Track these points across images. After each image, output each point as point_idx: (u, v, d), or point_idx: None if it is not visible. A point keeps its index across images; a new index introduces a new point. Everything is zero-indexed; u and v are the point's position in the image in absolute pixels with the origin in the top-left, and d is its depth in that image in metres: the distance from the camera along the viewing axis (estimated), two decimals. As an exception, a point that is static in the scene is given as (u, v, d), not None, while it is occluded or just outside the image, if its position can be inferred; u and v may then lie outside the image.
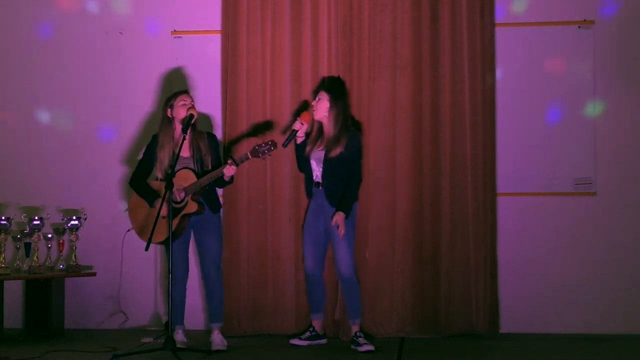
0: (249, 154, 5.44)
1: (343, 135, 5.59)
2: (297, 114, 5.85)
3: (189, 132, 5.52)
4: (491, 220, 6.07)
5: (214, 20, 6.39)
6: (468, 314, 6.00)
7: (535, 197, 6.21)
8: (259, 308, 6.14)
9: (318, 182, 5.66)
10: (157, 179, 5.58)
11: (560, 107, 6.20)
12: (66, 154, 6.54)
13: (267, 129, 6.13)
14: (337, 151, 5.56)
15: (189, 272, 5.69)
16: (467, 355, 5.52)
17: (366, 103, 6.10)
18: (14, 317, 6.33)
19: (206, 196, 5.57)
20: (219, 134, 6.18)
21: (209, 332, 5.76)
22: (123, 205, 6.42)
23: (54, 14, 6.60)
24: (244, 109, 6.20)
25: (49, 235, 6.20)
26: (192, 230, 5.65)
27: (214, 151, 5.61)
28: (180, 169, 5.49)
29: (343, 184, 5.59)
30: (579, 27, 6.21)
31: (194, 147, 5.57)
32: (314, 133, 5.70)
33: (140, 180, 5.66)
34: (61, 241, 6.23)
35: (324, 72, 6.13)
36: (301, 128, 5.61)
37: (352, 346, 5.57)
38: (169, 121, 5.60)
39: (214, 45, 6.38)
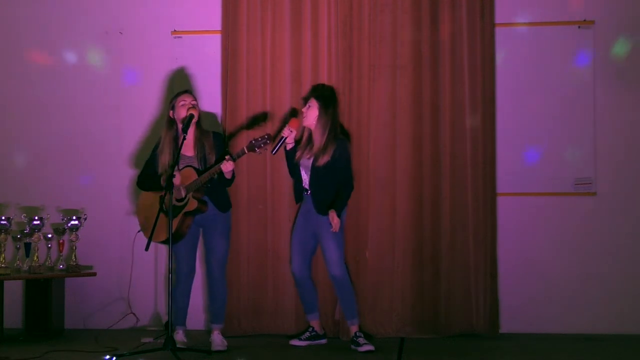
0: (245, 148, 5.45)
1: (331, 143, 5.58)
2: (286, 121, 5.84)
3: (192, 131, 5.55)
4: (491, 220, 6.07)
5: (214, 20, 6.39)
6: (468, 314, 6.00)
7: (535, 197, 6.21)
8: (259, 308, 6.14)
9: (306, 189, 5.68)
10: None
11: (561, 107, 6.20)
12: (66, 154, 6.54)
13: (264, 119, 6.12)
14: (324, 160, 5.56)
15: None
16: (467, 355, 5.52)
17: (366, 103, 6.10)
18: (14, 317, 6.33)
19: (214, 195, 5.56)
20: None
21: (209, 332, 5.76)
22: (124, 206, 6.43)
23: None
24: (244, 109, 6.20)
25: (49, 235, 6.20)
26: (201, 230, 5.64)
27: (218, 150, 5.60)
28: (183, 168, 5.50)
29: (330, 192, 5.59)
30: (579, 27, 6.21)
31: (199, 146, 5.58)
32: (303, 140, 5.69)
33: (146, 179, 5.66)
34: (61, 241, 6.23)
35: (324, 72, 6.13)
36: (290, 135, 5.59)
37: (352, 346, 5.57)
38: (171, 122, 5.61)
39: (214, 45, 6.38)
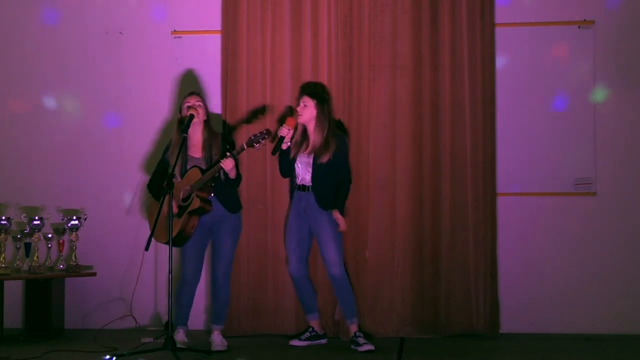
0: (244, 144, 5.44)
1: (331, 140, 5.61)
2: (281, 120, 5.83)
3: (201, 132, 5.58)
4: (491, 221, 6.07)
5: (214, 20, 6.39)
6: (468, 314, 6.00)
7: (535, 197, 6.21)
8: (259, 308, 6.14)
9: (304, 186, 5.67)
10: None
11: (561, 107, 6.20)
12: (66, 154, 6.54)
13: (263, 113, 6.12)
14: (326, 157, 5.58)
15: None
16: (467, 355, 5.52)
17: (366, 103, 6.10)
18: (14, 317, 6.33)
19: (222, 196, 5.56)
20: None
21: (209, 332, 5.76)
22: (124, 206, 6.44)
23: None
24: (244, 109, 6.20)
25: (49, 235, 6.20)
26: (211, 232, 5.64)
27: (224, 151, 5.59)
28: (189, 168, 5.51)
29: (332, 187, 5.62)
30: (579, 27, 6.21)
31: (207, 147, 5.58)
32: (297, 137, 5.68)
33: (156, 183, 5.67)
34: (61, 241, 6.23)
35: (324, 72, 6.13)
36: (288, 134, 5.60)
37: (352, 346, 5.57)
38: (180, 123, 5.61)
39: (214, 45, 6.38)
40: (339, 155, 5.62)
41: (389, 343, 5.76)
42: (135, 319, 6.31)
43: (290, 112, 6.00)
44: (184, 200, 5.49)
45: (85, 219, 6.26)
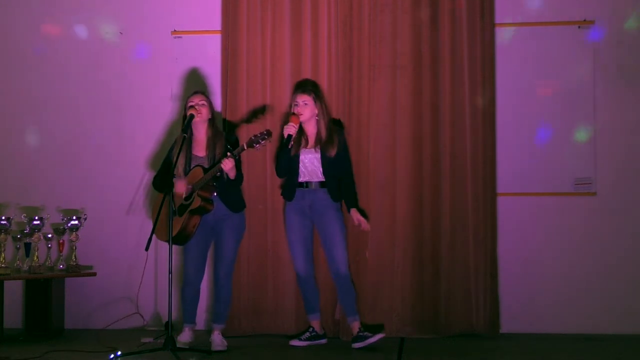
0: (244, 144, 5.44)
1: (334, 134, 5.70)
2: (284, 122, 5.80)
3: (205, 131, 5.59)
4: (491, 220, 6.07)
5: (214, 20, 6.39)
6: (468, 314, 6.00)
7: (535, 197, 6.21)
8: (259, 308, 6.14)
9: (308, 182, 5.68)
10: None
11: (561, 107, 6.20)
12: (66, 154, 6.54)
13: (263, 112, 6.12)
14: (334, 150, 5.65)
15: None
16: (467, 355, 5.52)
17: (366, 103, 6.10)
18: (14, 317, 6.33)
19: (224, 195, 5.56)
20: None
21: (209, 332, 5.76)
22: (124, 206, 6.44)
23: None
24: (244, 109, 6.20)
25: (49, 235, 6.20)
26: (214, 231, 5.64)
27: (227, 148, 5.59)
28: (193, 167, 5.51)
29: (338, 181, 5.69)
30: (579, 27, 6.22)
31: (211, 146, 5.58)
32: (294, 135, 5.69)
33: (160, 182, 5.66)
34: (61, 241, 6.23)
35: (324, 72, 6.13)
36: (295, 132, 5.61)
37: (357, 343, 5.58)
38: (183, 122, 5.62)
39: (214, 45, 6.38)
40: (344, 149, 5.70)
41: (389, 343, 5.76)
42: (142, 316, 6.32)
43: (288, 114, 5.98)
44: (186, 199, 5.50)
45: (85, 219, 6.26)
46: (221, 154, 5.53)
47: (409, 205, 6.06)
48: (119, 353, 5.15)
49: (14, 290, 6.34)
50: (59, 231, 6.21)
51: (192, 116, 5.51)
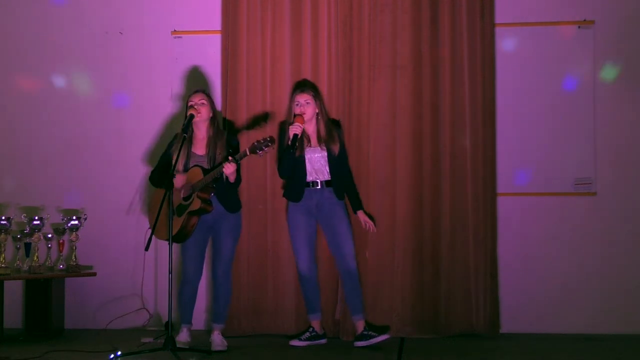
0: (247, 150, 5.43)
1: (334, 130, 5.74)
2: (287, 124, 5.79)
3: (206, 130, 5.59)
4: (491, 220, 6.07)
5: (214, 20, 6.39)
6: (468, 314, 6.00)
7: (535, 197, 6.21)
8: (259, 308, 6.13)
9: (314, 182, 5.68)
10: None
11: (561, 107, 6.20)
12: (66, 154, 6.54)
13: (265, 120, 6.12)
14: (337, 147, 5.69)
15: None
16: (467, 355, 5.52)
17: (366, 103, 6.10)
18: (14, 317, 6.33)
19: (222, 195, 5.56)
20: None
21: (209, 332, 5.76)
22: (124, 206, 6.44)
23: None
24: (244, 109, 6.20)
25: (49, 235, 6.20)
26: (211, 231, 5.64)
27: (228, 151, 5.59)
28: (191, 167, 5.51)
29: (342, 177, 5.71)
30: (579, 27, 6.22)
31: (211, 145, 5.58)
32: (300, 135, 5.69)
33: (158, 177, 5.67)
34: (61, 241, 6.23)
35: (324, 72, 6.13)
36: (301, 130, 5.61)
37: (360, 342, 5.59)
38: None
39: (214, 45, 6.38)
40: (342, 146, 5.75)
41: (389, 343, 5.75)
42: (148, 311, 6.32)
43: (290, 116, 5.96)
44: (185, 199, 5.49)
45: (85, 219, 6.26)
46: (222, 154, 5.53)
47: (409, 205, 6.06)
48: (119, 353, 5.15)
49: (14, 290, 6.34)
50: (59, 231, 6.21)
51: (192, 116, 5.51)
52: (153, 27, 6.51)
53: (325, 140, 5.70)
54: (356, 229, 5.92)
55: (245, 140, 5.91)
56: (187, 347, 5.48)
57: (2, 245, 6.06)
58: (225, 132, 5.77)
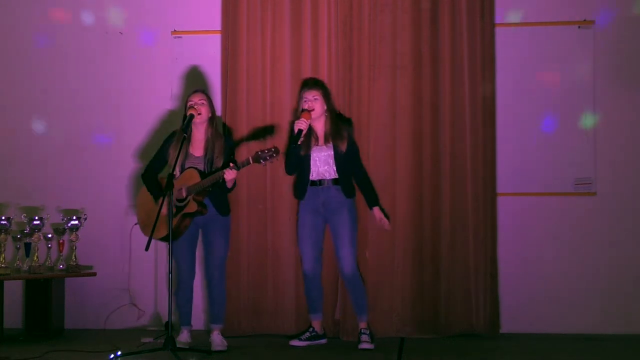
0: (250, 158, 5.42)
1: (343, 128, 5.69)
2: (293, 120, 5.79)
3: (204, 131, 5.57)
4: (491, 220, 6.07)
5: (214, 20, 6.39)
6: (468, 314, 6.00)
7: (535, 197, 6.21)
8: (259, 308, 6.13)
9: (321, 180, 5.67)
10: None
11: (561, 107, 6.20)
12: (66, 154, 6.54)
13: (269, 133, 6.11)
14: (344, 145, 5.64)
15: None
16: (467, 355, 5.52)
17: (366, 103, 6.10)
18: (14, 317, 6.33)
19: (215, 199, 5.56)
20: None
21: (209, 332, 5.76)
22: (124, 206, 6.44)
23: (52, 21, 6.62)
24: (244, 109, 6.20)
25: (49, 235, 6.20)
26: (200, 231, 5.65)
27: (227, 154, 5.58)
28: (187, 168, 5.50)
29: (350, 175, 5.68)
30: (579, 27, 6.22)
31: (209, 147, 5.57)
32: (305, 131, 5.68)
33: (151, 174, 5.66)
34: (61, 241, 6.23)
35: (324, 72, 6.13)
36: (306, 127, 5.60)
37: (366, 343, 5.63)
38: (183, 121, 5.60)
39: (214, 45, 6.38)
40: (351, 143, 5.70)
41: (389, 343, 5.76)
42: (137, 306, 6.32)
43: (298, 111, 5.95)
44: (179, 200, 5.47)
45: (85, 219, 6.26)
46: (219, 157, 5.52)
47: (409, 205, 6.06)
48: (119, 353, 5.15)
49: (14, 290, 6.34)
50: (59, 231, 6.21)
51: (191, 116, 5.48)
52: (153, 27, 6.51)
53: (332, 138, 5.67)
54: (357, 228, 5.92)
55: (246, 149, 5.92)
56: (187, 347, 5.48)
57: (2, 245, 6.06)
58: (224, 134, 5.74)
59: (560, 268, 6.16)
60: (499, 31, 6.19)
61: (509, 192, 6.19)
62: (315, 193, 5.69)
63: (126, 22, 6.55)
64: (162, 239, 5.46)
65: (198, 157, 5.57)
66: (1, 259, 6.04)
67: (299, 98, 5.76)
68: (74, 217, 6.21)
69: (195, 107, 5.54)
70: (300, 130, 5.54)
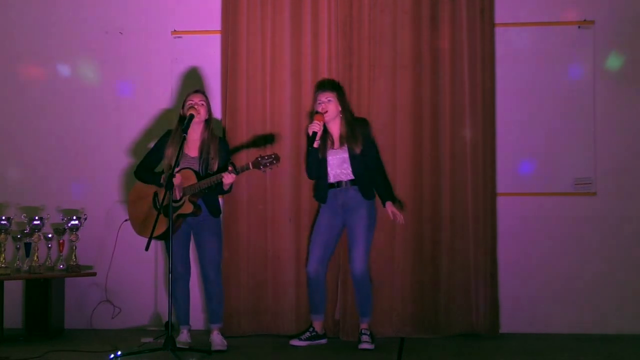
0: (250, 164, 5.42)
1: (357, 129, 5.66)
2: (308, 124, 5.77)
3: (200, 132, 5.57)
4: (491, 220, 6.07)
5: (214, 20, 6.39)
6: (468, 314, 6.00)
7: (535, 197, 6.21)
8: (259, 308, 6.13)
9: (339, 182, 5.66)
10: (162, 173, 5.58)
11: (561, 107, 6.20)
12: (66, 154, 6.54)
13: (269, 142, 6.10)
14: (359, 146, 5.62)
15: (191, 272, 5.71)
16: (467, 355, 5.52)
17: (366, 103, 6.10)
18: (14, 317, 6.33)
19: (207, 200, 5.56)
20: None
21: (209, 332, 5.76)
22: (123, 206, 6.44)
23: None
24: (243, 109, 6.20)
25: (49, 235, 6.20)
26: (192, 232, 5.65)
27: (222, 157, 5.58)
28: (183, 168, 5.49)
29: (370, 176, 5.65)
30: (579, 27, 6.22)
31: (204, 148, 5.57)
32: (320, 133, 5.67)
33: (145, 171, 5.66)
34: (61, 241, 6.23)
35: (324, 72, 6.13)
36: (320, 130, 5.58)
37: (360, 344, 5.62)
38: (181, 120, 5.59)
39: (214, 45, 6.38)
40: (368, 144, 5.66)
41: (389, 343, 5.76)
42: (112, 302, 6.30)
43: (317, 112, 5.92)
44: (175, 201, 5.47)
45: (85, 219, 6.26)
46: (215, 158, 5.51)
47: (409, 205, 6.05)
48: (119, 353, 5.15)
49: (14, 290, 6.34)
50: (59, 231, 6.21)
51: (192, 116, 5.48)
52: (153, 27, 6.51)
53: (346, 140, 5.65)
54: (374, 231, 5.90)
55: (245, 155, 5.93)
56: (187, 347, 5.48)
57: (2, 245, 6.06)
58: (219, 137, 5.73)
59: (560, 268, 6.16)
60: (498, 31, 6.19)
61: (509, 192, 6.19)
62: (335, 195, 5.69)
63: (126, 22, 6.54)
64: (158, 238, 5.45)
65: (193, 157, 5.57)
66: (1, 259, 6.04)
67: (314, 100, 5.76)
68: (74, 217, 6.22)
69: (196, 107, 5.54)
70: (314, 133, 5.54)
